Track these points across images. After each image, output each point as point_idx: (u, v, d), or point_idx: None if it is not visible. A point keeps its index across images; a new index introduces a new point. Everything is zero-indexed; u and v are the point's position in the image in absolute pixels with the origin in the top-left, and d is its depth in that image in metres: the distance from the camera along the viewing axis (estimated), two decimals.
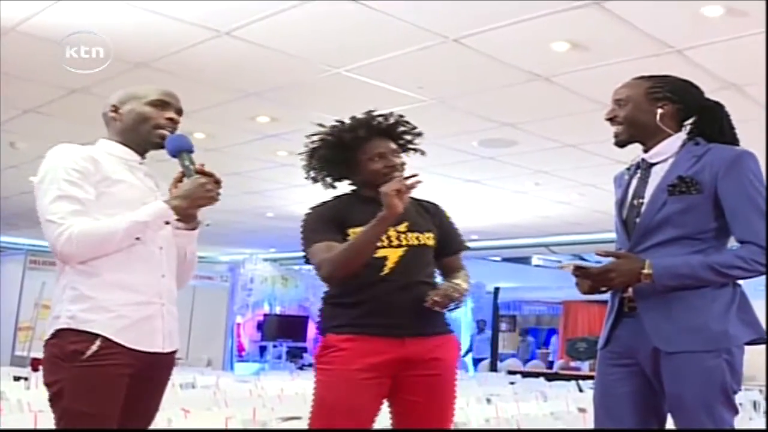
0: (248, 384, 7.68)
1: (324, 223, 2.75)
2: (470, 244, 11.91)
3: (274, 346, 16.69)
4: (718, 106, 2.56)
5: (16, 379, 7.11)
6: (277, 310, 17.24)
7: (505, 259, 16.53)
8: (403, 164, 2.80)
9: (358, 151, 2.79)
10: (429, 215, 2.89)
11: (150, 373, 2.39)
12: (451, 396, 2.78)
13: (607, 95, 2.65)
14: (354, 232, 2.67)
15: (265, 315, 17.09)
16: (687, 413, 2.32)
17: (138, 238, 2.35)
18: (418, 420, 2.71)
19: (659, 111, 2.49)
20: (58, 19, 4.75)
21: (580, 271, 2.48)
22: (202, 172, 2.46)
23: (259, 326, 17.05)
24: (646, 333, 2.38)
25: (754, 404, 7.97)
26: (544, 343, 18.94)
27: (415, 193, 2.70)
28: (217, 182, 2.47)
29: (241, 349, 17.06)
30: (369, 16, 4.60)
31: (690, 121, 2.55)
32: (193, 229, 2.57)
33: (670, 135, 2.50)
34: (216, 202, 2.47)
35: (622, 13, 4.43)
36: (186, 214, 2.44)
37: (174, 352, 2.51)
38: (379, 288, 2.67)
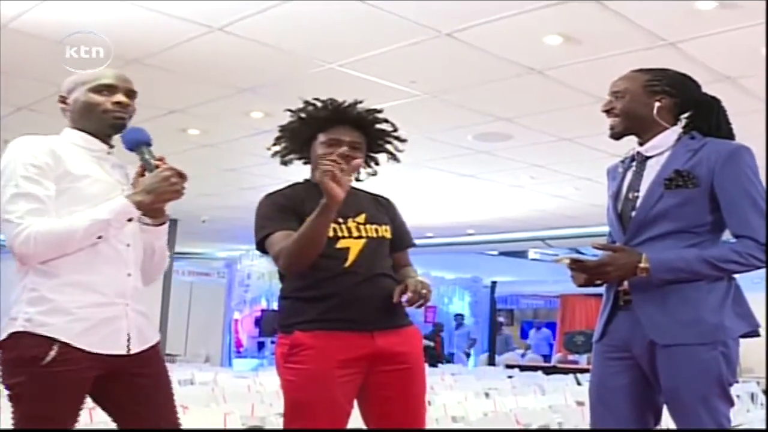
0: (246, 380, 7.68)
1: (280, 210, 2.66)
2: (466, 239, 11.89)
3: (272, 342, 16.65)
4: (714, 101, 2.56)
5: None
6: (275, 305, 17.20)
7: (501, 253, 16.54)
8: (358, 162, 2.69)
9: (321, 133, 2.72)
10: (383, 208, 2.85)
11: (134, 371, 2.31)
12: (423, 388, 2.74)
13: (601, 88, 2.64)
14: None
15: (262, 311, 17.08)
16: (683, 406, 2.33)
17: (100, 237, 2.25)
18: (393, 416, 2.65)
19: (657, 104, 2.49)
20: (50, 16, 4.73)
21: (576, 264, 2.48)
22: (162, 166, 2.34)
23: (257, 322, 17.04)
24: (641, 326, 2.39)
25: (752, 396, 7.99)
26: (522, 335, 18.93)
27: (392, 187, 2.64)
28: (181, 175, 2.32)
29: (239, 345, 17.07)
30: (361, 10, 4.59)
31: (686, 115, 2.55)
32: (161, 224, 2.46)
33: (666, 128, 2.50)
34: (181, 196, 2.33)
35: (615, 6, 4.43)
36: (150, 209, 2.34)
37: (150, 349, 2.40)
38: (344, 281, 2.60)
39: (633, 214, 2.47)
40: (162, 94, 6.13)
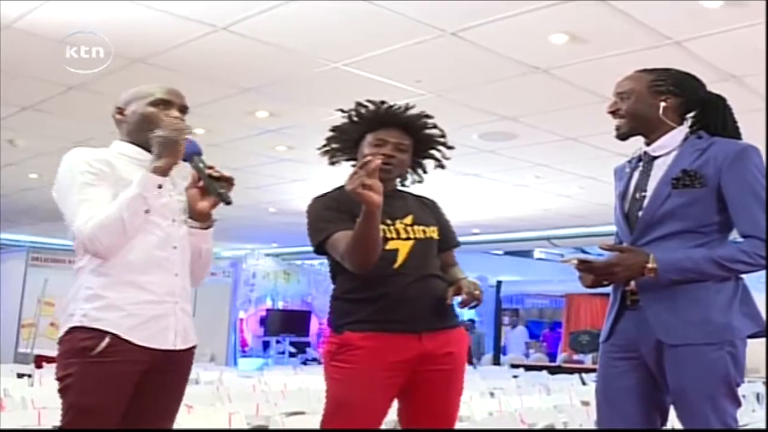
0: (252, 379, 7.67)
1: (335, 211, 2.69)
2: (471, 238, 11.86)
3: (278, 342, 16.70)
4: (720, 100, 2.56)
5: (20, 376, 7.11)
6: (280, 305, 17.25)
7: (507, 253, 16.52)
8: (401, 162, 2.77)
9: (369, 133, 2.77)
10: (429, 210, 2.90)
11: (165, 368, 2.42)
12: (460, 390, 2.78)
13: (606, 87, 2.63)
14: None
15: (267, 310, 17.10)
16: (690, 405, 2.32)
17: (147, 211, 2.38)
18: (430, 414, 2.69)
19: (662, 104, 2.49)
20: (54, 16, 4.73)
21: (583, 265, 2.47)
22: (213, 174, 2.51)
23: (262, 321, 17.06)
24: (648, 326, 2.38)
25: (757, 396, 7.96)
26: (531, 335, 18.82)
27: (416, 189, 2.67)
28: (228, 181, 2.52)
29: (244, 344, 17.08)
30: (366, 9, 4.58)
31: (692, 114, 2.55)
32: (207, 227, 2.62)
33: (672, 128, 2.50)
34: (187, 135, 2.46)
35: (621, 5, 4.41)
36: (167, 167, 2.43)
37: (190, 349, 2.54)
38: (394, 282, 2.64)
39: (640, 214, 2.47)
40: None
